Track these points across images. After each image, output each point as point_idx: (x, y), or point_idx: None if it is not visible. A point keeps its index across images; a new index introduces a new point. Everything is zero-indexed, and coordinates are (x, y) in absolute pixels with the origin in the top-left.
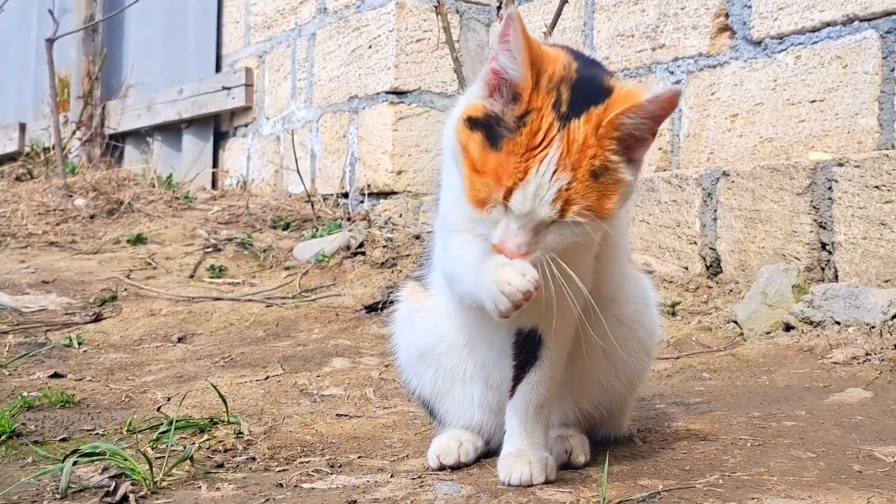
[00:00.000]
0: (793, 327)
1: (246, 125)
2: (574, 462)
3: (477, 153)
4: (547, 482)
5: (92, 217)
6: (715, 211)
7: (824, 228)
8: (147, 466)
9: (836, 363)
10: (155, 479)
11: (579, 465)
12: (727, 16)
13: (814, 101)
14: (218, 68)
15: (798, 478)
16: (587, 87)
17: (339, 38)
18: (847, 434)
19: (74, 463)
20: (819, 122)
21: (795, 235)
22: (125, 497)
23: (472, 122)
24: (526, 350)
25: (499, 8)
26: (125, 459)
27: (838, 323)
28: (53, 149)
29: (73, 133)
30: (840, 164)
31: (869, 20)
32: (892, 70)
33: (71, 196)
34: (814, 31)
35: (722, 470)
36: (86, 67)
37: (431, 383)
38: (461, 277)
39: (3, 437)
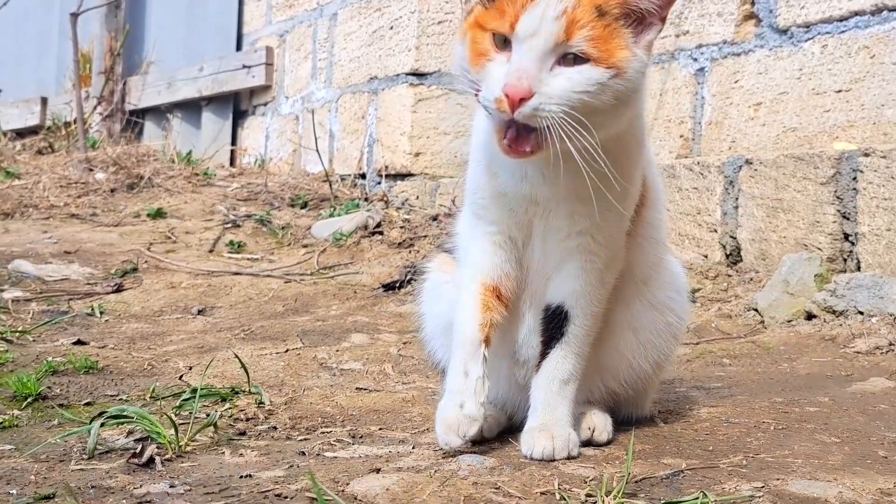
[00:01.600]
0: (815, 316)
1: (265, 104)
2: (596, 439)
3: (478, 12)
4: (569, 458)
5: (112, 191)
6: (736, 199)
7: (847, 219)
8: (172, 431)
9: (858, 353)
10: (180, 443)
11: (602, 442)
12: (753, 3)
13: (839, 92)
14: (239, 47)
15: (823, 461)
16: None
17: (360, 18)
18: (871, 421)
19: (102, 425)
20: (844, 112)
21: (818, 225)
22: (151, 459)
23: (473, 13)
24: (552, 325)
25: None
26: (151, 423)
27: (861, 313)
28: (75, 123)
29: (95, 108)
30: (866, 155)
31: None
32: None
33: (91, 170)
34: (841, 21)
35: (745, 451)
36: (108, 43)
37: None
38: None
39: (29, 400)
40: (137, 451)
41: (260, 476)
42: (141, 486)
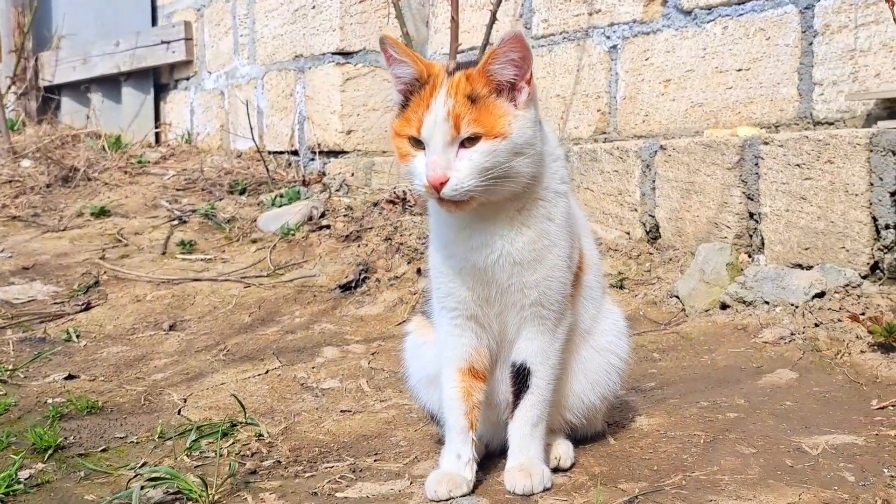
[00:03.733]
0: (728, 306)
1: (187, 78)
2: (562, 466)
3: (396, 123)
4: (545, 490)
5: (48, 186)
6: (653, 181)
7: (752, 200)
8: (201, 483)
9: (766, 342)
10: (210, 498)
11: (566, 468)
12: None
13: (740, 70)
14: (154, 20)
15: (744, 476)
16: (468, 63)
17: None
18: (779, 424)
19: (142, 488)
20: (745, 89)
21: (726, 206)
22: None
23: (395, 122)
24: (519, 380)
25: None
26: (184, 481)
27: (767, 303)
28: None
29: (10, 87)
30: (766, 143)
31: None
32: (810, 44)
33: (16, 156)
34: (739, 4)
35: (683, 469)
36: (15, 19)
37: (438, 401)
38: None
39: (49, 452)
40: None
41: None
42: None
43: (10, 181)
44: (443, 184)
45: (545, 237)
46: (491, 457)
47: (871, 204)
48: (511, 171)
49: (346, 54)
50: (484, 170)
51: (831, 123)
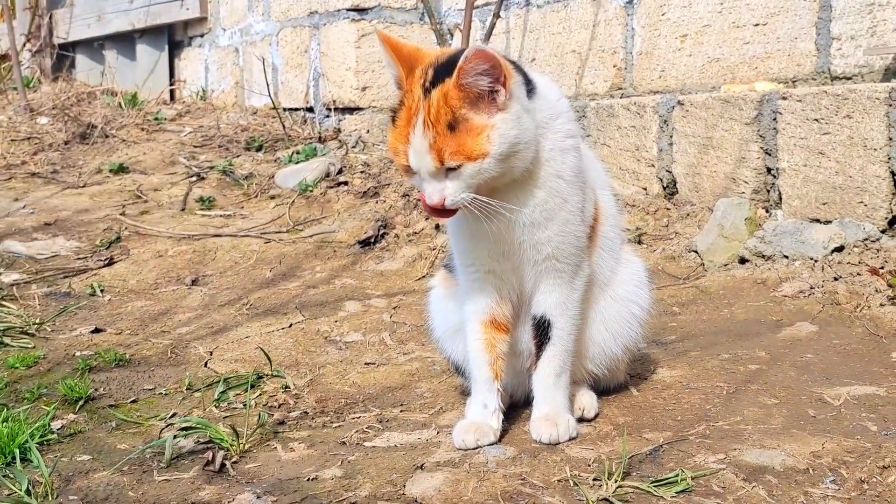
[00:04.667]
0: (747, 260)
1: (202, 35)
2: (586, 416)
3: (390, 136)
4: (571, 439)
5: (66, 143)
6: (671, 137)
7: (770, 155)
8: (232, 432)
9: (785, 296)
10: (241, 446)
11: (590, 418)
12: None
13: (757, 25)
14: None
15: (767, 425)
16: (447, 67)
17: None
18: (801, 376)
19: (175, 437)
20: (762, 44)
21: (744, 161)
22: (223, 465)
23: (389, 132)
24: (540, 332)
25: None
26: (216, 431)
27: (786, 257)
28: (3, 60)
29: (24, 45)
30: (784, 98)
31: None
32: None
33: (33, 113)
34: None
35: (707, 420)
36: None
37: (463, 353)
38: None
39: (80, 403)
40: (210, 459)
41: (323, 476)
42: (233, 500)
43: (29, 138)
44: (443, 204)
45: (556, 195)
46: (515, 407)
47: (889, 158)
48: (504, 172)
49: (361, 10)
50: (474, 184)
51: (849, 78)
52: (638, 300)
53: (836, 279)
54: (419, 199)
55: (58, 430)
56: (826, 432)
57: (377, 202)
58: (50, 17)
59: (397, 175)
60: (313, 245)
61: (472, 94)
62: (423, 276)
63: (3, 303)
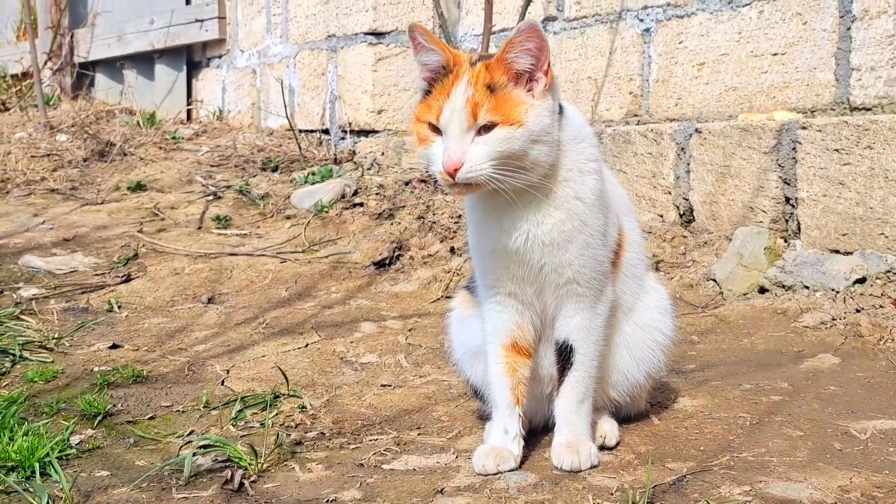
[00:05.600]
0: (767, 290)
1: (220, 56)
2: (608, 444)
3: (418, 109)
4: (592, 467)
5: (85, 160)
6: (688, 164)
7: (788, 185)
8: (250, 451)
9: (806, 327)
10: (259, 466)
11: (611, 446)
12: None
13: (776, 55)
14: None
15: (793, 458)
16: (490, 56)
17: None
18: (825, 408)
19: (193, 454)
20: (780, 73)
21: (762, 190)
22: (241, 483)
23: (417, 108)
24: (563, 357)
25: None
26: (235, 450)
27: (807, 287)
28: (24, 77)
29: (46, 63)
30: (804, 128)
31: None
32: (848, 28)
33: (53, 131)
34: None
35: (730, 450)
36: None
37: (482, 375)
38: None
39: (99, 418)
40: (228, 478)
41: (343, 498)
42: None
43: (49, 155)
44: (457, 169)
45: (575, 217)
46: (534, 433)
47: None
48: (526, 160)
49: (378, 34)
50: (498, 155)
51: (869, 109)
52: (661, 327)
53: (858, 311)
54: (433, 223)
55: (76, 444)
56: (853, 466)
57: (392, 224)
58: (71, 37)
59: (412, 198)
60: (328, 265)
61: (514, 70)
62: (438, 299)
63: (23, 317)
